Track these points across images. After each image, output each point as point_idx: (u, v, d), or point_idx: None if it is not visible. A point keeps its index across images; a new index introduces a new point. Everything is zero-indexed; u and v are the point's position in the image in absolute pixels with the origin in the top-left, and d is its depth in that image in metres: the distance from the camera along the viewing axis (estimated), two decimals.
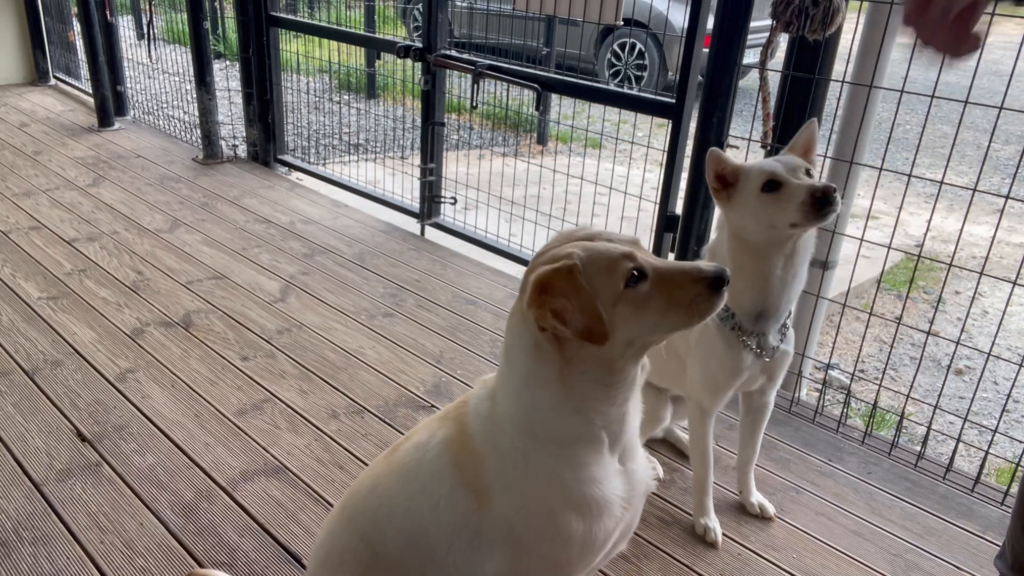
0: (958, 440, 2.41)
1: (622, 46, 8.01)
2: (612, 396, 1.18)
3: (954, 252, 2.83)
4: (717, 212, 1.86)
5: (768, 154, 2.44)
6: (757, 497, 2.13)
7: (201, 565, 1.87)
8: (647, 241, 3.12)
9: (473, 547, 1.21)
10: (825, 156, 2.49)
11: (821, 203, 1.58)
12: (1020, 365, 2.33)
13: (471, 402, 1.27)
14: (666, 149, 2.90)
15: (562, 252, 1.15)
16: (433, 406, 2.54)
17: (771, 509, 2.11)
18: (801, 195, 1.59)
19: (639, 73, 7.94)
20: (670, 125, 2.87)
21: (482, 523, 1.20)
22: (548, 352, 1.14)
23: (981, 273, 2.33)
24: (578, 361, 1.14)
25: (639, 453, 1.30)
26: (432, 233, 4.04)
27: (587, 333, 1.09)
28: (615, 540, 1.27)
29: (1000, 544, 2.08)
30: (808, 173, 1.68)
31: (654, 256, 1.19)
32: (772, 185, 1.63)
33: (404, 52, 3.78)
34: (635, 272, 1.12)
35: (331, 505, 2.09)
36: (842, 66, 2.38)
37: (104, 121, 5.40)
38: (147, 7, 5.30)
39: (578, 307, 1.09)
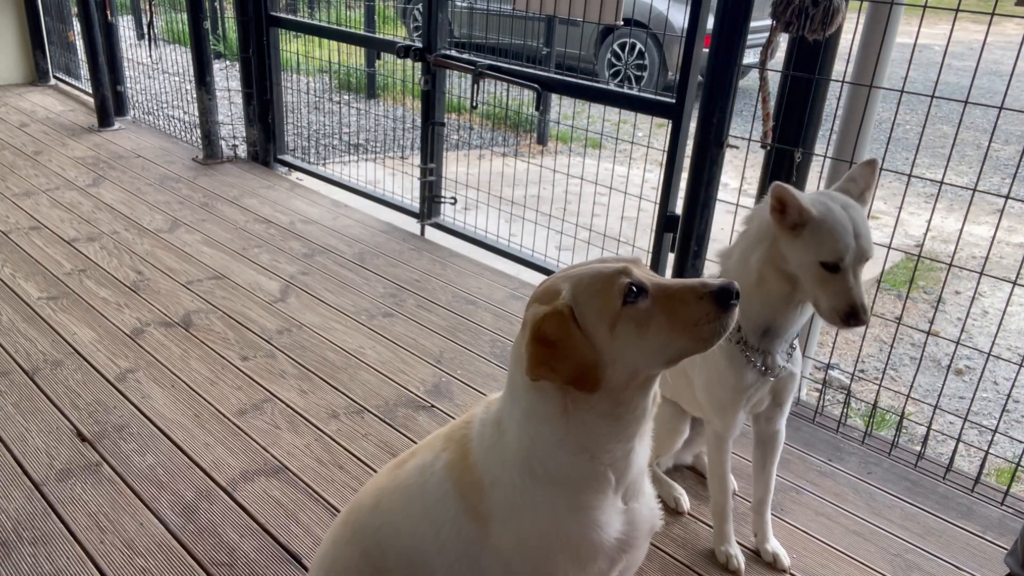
0: (958, 440, 2.41)
1: (622, 46, 8.01)
2: (619, 431, 1.12)
3: (954, 252, 2.83)
4: (737, 222, 1.85)
5: (768, 154, 2.44)
6: (774, 545, 2.00)
7: (201, 565, 1.87)
8: (647, 241, 3.12)
9: (473, 574, 1.19)
10: (825, 156, 2.49)
11: (848, 320, 1.59)
12: (1020, 365, 2.33)
13: (475, 426, 1.24)
14: (666, 149, 2.90)
15: (555, 288, 1.10)
16: (433, 406, 2.54)
17: (786, 561, 1.97)
18: (842, 304, 1.59)
19: (639, 73, 7.94)
20: (670, 125, 2.87)
21: (483, 552, 1.18)
22: (550, 387, 1.10)
23: (981, 273, 2.33)
24: (583, 395, 1.09)
25: (646, 491, 1.24)
26: (432, 233, 4.04)
27: (578, 381, 1.05)
28: None
29: (1001, 544, 2.09)
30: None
31: (655, 274, 1.12)
32: (832, 267, 1.60)
33: (404, 52, 3.78)
34: (633, 288, 1.05)
35: (331, 505, 2.09)
36: (842, 66, 2.38)
37: (104, 121, 5.40)
38: (147, 7, 5.30)
39: (568, 352, 1.04)
